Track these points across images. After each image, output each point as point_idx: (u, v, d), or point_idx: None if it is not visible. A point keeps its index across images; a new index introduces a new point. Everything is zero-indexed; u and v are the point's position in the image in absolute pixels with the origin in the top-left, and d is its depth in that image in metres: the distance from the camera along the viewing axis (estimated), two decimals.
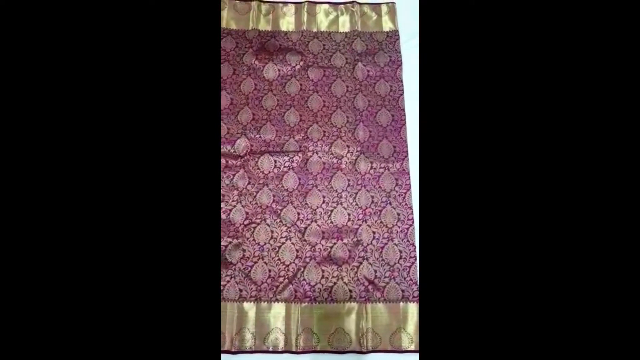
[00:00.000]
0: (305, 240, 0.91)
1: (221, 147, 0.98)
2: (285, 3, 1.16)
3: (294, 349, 0.83)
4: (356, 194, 0.95)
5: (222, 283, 0.87)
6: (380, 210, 0.94)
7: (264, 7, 1.14)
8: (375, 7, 1.17)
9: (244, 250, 0.89)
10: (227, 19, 1.13)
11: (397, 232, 0.91)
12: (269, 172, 0.96)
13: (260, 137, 1.00)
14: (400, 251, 0.89)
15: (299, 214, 0.93)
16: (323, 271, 0.89)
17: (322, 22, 1.14)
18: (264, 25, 1.13)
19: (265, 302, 0.86)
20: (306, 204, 0.94)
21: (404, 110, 1.03)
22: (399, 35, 1.11)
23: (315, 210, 0.93)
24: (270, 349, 0.83)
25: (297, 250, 0.90)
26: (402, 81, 1.06)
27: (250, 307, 0.86)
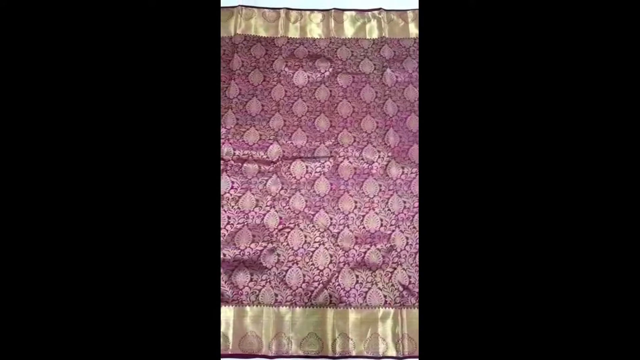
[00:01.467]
0: (338, 245, 0.91)
1: (254, 152, 0.99)
2: (312, 10, 1.17)
3: (330, 354, 0.83)
4: (388, 199, 0.95)
5: (257, 287, 0.88)
6: (413, 216, 0.94)
7: (292, 14, 1.17)
8: (402, 14, 1.18)
9: (278, 255, 0.90)
10: (256, 26, 1.15)
11: None
12: (301, 177, 0.97)
13: (291, 142, 1.01)
14: None
15: (331, 219, 0.93)
16: (357, 276, 0.89)
17: (349, 29, 1.16)
18: (292, 33, 1.15)
19: (301, 307, 0.87)
20: (338, 209, 0.94)
21: None
22: None
23: (347, 215, 0.94)
24: (307, 354, 0.83)
25: (331, 256, 0.90)
26: None
27: (286, 312, 0.86)
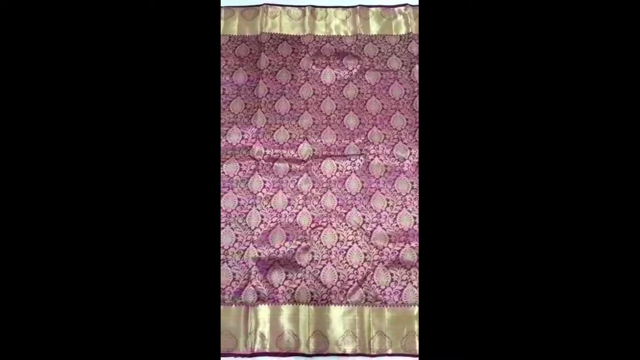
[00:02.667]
0: (372, 244, 0.91)
1: (285, 151, 1.00)
2: (337, 7, 1.17)
3: (367, 352, 0.83)
4: None
5: (293, 286, 0.88)
6: None
7: (317, 12, 1.16)
8: None
9: (312, 254, 0.90)
10: (282, 24, 1.15)
11: None
12: (332, 175, 0.97)
13: (321, 141, 1.00)
14: None
15: (364, 217, 0.93)
16: (392, 274, 0.89)
17: (375, 25, 1.15)
18: (319, 30, 1.14)
19: (337, 305, 0.87)
20: (370, 207, 0.94)
21: None
22: None
23: (379, 213, 0.93)
24: (344, 352, 0.83)
25: (365, 254, 0.90)
26: None
27: (322, 310, 0.87)
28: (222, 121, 1.03)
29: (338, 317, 0.86)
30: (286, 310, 0.87)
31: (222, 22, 1.16)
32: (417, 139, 1.00)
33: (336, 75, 1.08)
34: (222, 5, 1.17)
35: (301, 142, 1.01)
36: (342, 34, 1.14)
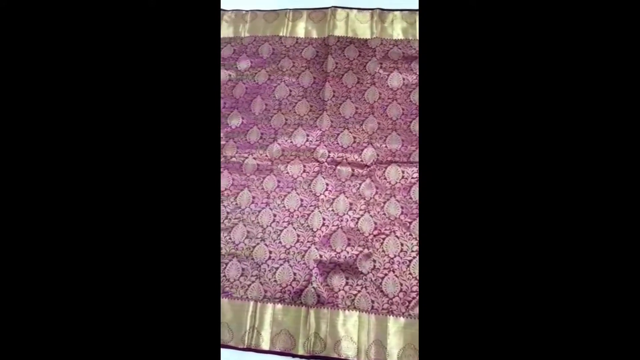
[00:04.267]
0: None
1: (348, 155, 0.99)
2: (404, 10, 1.14)
3: None
4: None
5: (353, 292, 0.87)
6: None
7: (385, 15, 1.14)
8: None
9: (374, 261, 0.89)
10: (348, 27, 1.14)
11: None
12: (396, 182, 0.95)
13: (386, 146, 0.99)
14: None
15: None
16: None
17: None
18: (386, 34, 1.12)
19: (399, 317, 0.85)
20: None
21: None
22: None
23: None
24: None
25: None
26: None
27: (383, 320, 0.85)
28: (287, 122, 1.04)
29: (399, 329, 0.84)
30: (345, 316, 0.86)
31: (290, 23, 1.18)
32: None
33: (404, 79, 1.06)
34: (290, 7, 1.19)
35: (365, 147, 1.00)
36: (410, 37, 1.12)
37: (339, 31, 1.14)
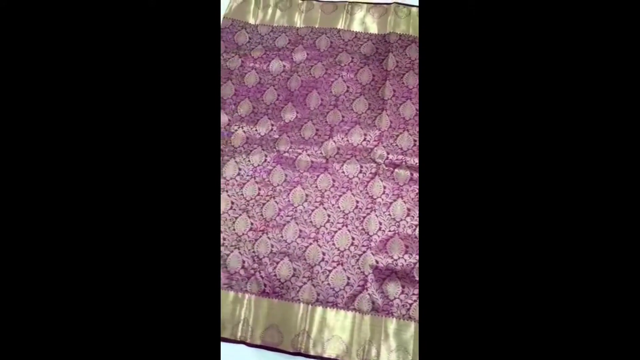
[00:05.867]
0: None
1: (408, 158, 0.95)
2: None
3: None
4: None
5: (409, 302, 0.83)
6: None
7: None
8: None
9: None
10: (410, 25, 1.09)
11: None
12: None
13: None
14: None
15: None
16: None
17: None
18: None
19: None
20: None
21: None
22: None
23: None
24: None
25: None
26: None
27: None
28: (344, 120, 1.01)
29: None
30: (400, 325, 0.83)
31: (348, 16, 1.14)
32: None
33: None
34: (349, 0, 1.15)
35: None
36: None
37: (401, 28, 1.10)
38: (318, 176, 0.96)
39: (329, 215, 0.92)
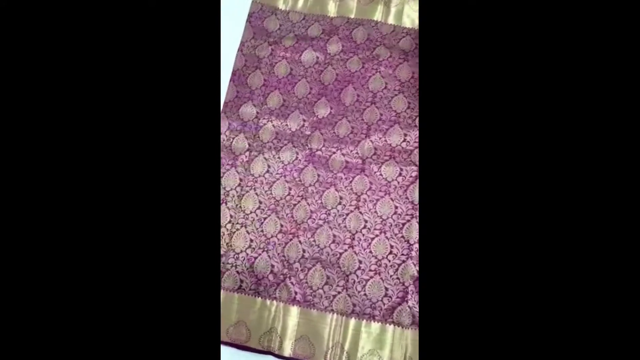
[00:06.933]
0: None
1: None
2: None
3: None
4: None
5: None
6: None
7: None
8: None
9: None
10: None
11: None
12: None
13: None
14: None
15: None
16: None
17: None
18: None
19: None
20: None
21: None
22: None
23: None
24: None
25: None
26: None
27: None
28: (382, 118, 0.94)
29: None
30: None
31: (384, 8, 1.07)
32: None
33: None
34: None
35: None
36: None
37: None
38: (353, 178, 0.89)
39: (365, 221, 0.86)
